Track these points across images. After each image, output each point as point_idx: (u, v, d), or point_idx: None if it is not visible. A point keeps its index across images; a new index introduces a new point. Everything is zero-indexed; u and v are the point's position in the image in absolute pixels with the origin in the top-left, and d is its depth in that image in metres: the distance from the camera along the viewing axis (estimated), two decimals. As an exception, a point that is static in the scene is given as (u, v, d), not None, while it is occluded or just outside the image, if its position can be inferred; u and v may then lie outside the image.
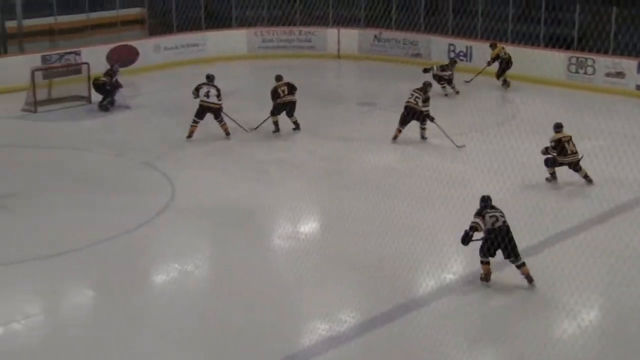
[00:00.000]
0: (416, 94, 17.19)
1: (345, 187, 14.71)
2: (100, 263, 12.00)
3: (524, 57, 22.41)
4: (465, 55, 23.86)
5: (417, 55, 24.96)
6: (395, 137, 17.31)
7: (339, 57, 26.14)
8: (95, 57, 21.96)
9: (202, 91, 17.45)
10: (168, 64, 24.37)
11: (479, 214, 11.35)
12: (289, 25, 26.57)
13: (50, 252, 12.16)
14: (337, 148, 17.03)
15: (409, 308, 10.65)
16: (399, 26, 25.51)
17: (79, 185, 15.08)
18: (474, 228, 11.24)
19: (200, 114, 17.48)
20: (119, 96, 20.16)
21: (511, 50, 22.45)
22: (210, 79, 17.86)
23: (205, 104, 17.44)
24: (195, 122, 17.53)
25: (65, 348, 9.78)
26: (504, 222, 11.23)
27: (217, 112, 17.54)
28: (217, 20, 26.64)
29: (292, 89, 18.07)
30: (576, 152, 14.75)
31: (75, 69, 21.32)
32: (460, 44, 24.06)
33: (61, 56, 22.45)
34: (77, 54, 22.66)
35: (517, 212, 12.78)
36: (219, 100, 17.44)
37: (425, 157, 16.31)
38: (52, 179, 15.47)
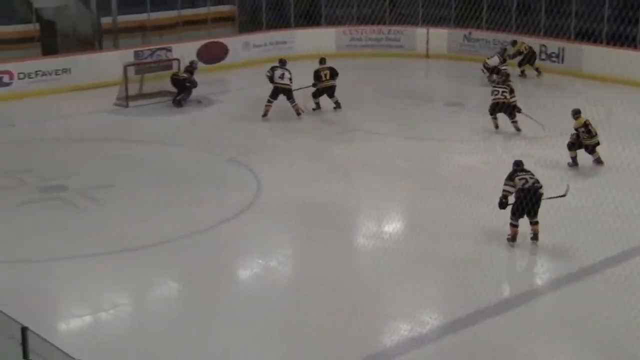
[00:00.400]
0: (501, 89, 17.56)
1: (430, 187, 14.54)
2: (186, 257, 12.16)
3: (619, 58, 21.81)
4: (557, 57, 23.36)
5: (508, 56, 24.48)
6: (497, 127, 17.71)
7: (427, 56, 25.92)
8: (185, 53, 22.31)
9: (277, 73, 18.71)
10: (257, 61, 24.55)
11: (510, 178, 12.22)
12: (378, 24, 26.49)
13: (138, 244, 12.39)
14: (424, 148, 16.88)
15: (493, 311, 10.47)
16: (490, 26, 25.13)
17: (166, 180, 15.34)
18: (505, 196, 12.14)
19: (275, 94, 18.77)
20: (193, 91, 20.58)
21: (605, 51, 21.89)
22: (283, 62, 19.10)
23: (280, 85, 18.67)
24: (269, 102, 18.83)
25: (150, 338, 9.94)
26: (534, 183, 12.00)
27: (289, 93, 18.76)
28: (307, 18, 26.76)
29: (333, 73, 19.20)
30: (597, 133, 15.34)
31: (166, 65, 21.67)
32: (553, 44, 23.55)
33: (153, 52, 22.90)
34: (168, 50, 23.06)
35: (605, 220, 12.46)
36: (291, 82, 18.65)
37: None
38: (141, 172, 15.78)
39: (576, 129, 15.41)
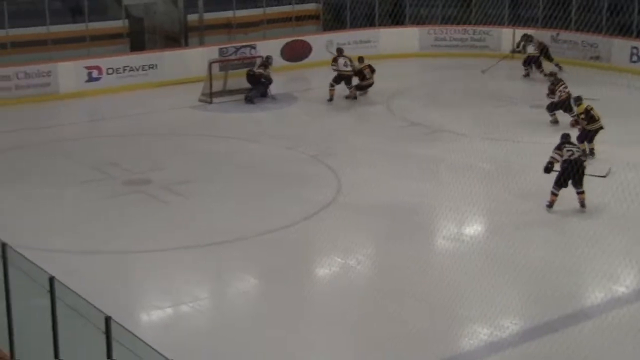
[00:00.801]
0: (562, 86, 18.02)
1: (513, 190, 14.31)
2: (265, 253, 12.25)
3: None
4: (649, 59, 22.73)
5: (597, 58, 23.94)
6: (557, 121, 18.21)
7: (512, 57, 25.44)
8: (269, 51, 22.46)
9: (341, 62, 20.54)
10: (340, 60, 24.62)
11: (558, 147, 13.41)
12: (463, 24, 26.18)
13: (219, 239, 12.54)
14: (507, 150, 16.58)
15: (575, 319, 10.27)
16: (579, 27, 24.54)
17: (248, 176, 15.47)
18: (551, 162, 13.35)
19: (338, 80, 20.52)
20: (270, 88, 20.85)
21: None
22: (341, 51, 20.98)
23: (344, 73, 20.46)
24: (332, 86, 20.50)
25: (229, 332, 10.04)
26: (580, 156, 13.32)
27: (350, 79, 20.56)
28: (391, 17, 26.64)
29: (372, 70, 20.76)
30: (599, 118, 15.65)
31: (250, 62, 21.82)
32: (646, 46, 22.91)
33: (237, 49, 23.12)
34: (253, 47, 23.26)
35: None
36: (351, 68, 20.59)
37: (597, 164, 15.63)
38: (224, 168, 15.95)
39: (577, 115, 15.95)
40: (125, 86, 21.68)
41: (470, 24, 26.18)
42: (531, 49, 22.75)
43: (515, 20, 25.93)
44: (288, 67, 23.60)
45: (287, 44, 24.31)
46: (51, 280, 7.19)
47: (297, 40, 24.66)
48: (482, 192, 14.48)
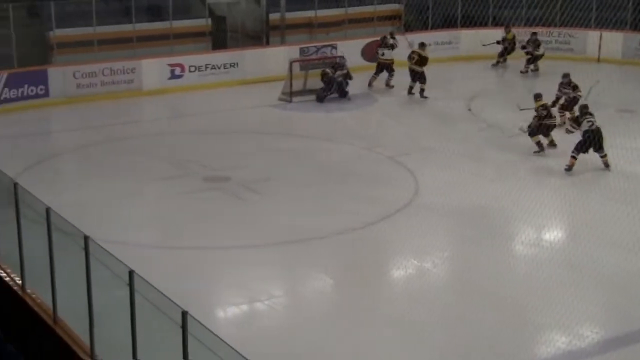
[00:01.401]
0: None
1: (594, 196, 14.00)
2: (341, 252, 12.25)
3: None
4: None
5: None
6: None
7: (598, 61, 24.88)
8: (350, 51, 22.46)
9: (379, 52, 21.72)
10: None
11: (576, 121, 15.33)
12: (548, 25, 25.70)
13: (296, 237, 12.58)
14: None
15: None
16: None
17: (325, 175, 15.50)
18: (571, 131, 15.34)
19: (378, 69, 21.80)
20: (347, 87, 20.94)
21: None
22: (383, 39, 21.86)
23: (382, 61, 21.76)
24: (374, 76, 21.82)
25: (302, 330, 10.07)
26: (597, 125, 14.94)
27: (389, 67, 21.70)
28: (473, 19, 26.32)
29: (422, 61, 20.85)
30: (555, 117, 16.72)
31: (330, 62, 21.88)
32: None
33: (318, 49, 23.20)
34: (334, 47, 23.30)
35: None
36: (391, 57, 21.66)
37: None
38: (301, 167, 16.02)
39: (536, 109, 16.43)
40: (207, 84, 21.97)
41: (555, 26, 25.67)
42: (542, 50, 23.46)
43: (603, 23, 25.32)
44: (368, 67, 23.52)
45: (367, 44, 24.26)
46: (131, 273, 7.30)
47: (378, 41, 24.55)
48: (562, 197, 14.21)
